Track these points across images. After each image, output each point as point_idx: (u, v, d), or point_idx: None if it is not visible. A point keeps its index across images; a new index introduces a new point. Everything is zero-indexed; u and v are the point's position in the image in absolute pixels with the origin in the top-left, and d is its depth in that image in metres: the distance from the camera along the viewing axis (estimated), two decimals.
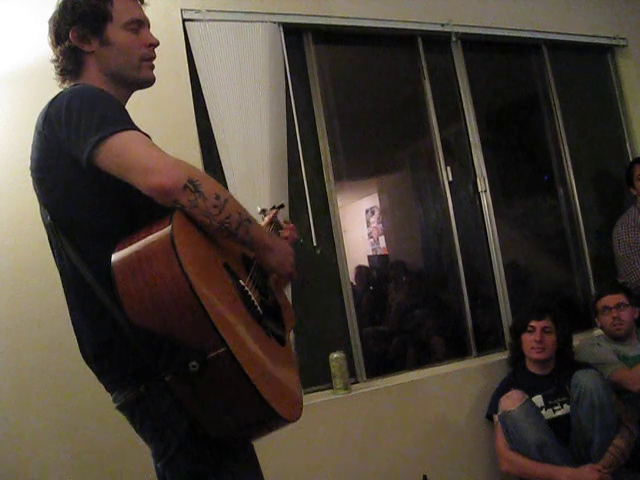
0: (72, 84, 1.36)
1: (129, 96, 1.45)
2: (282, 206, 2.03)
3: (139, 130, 1.21)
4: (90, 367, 1.29)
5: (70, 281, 1.29)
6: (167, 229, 1.09)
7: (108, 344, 1.22)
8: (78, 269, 1.23)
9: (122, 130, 1.16)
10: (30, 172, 1.31)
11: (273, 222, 1.77)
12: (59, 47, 1.37)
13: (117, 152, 1.15)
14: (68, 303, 1.33)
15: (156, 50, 1.45)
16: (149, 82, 1.44)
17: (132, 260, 1.09)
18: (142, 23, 1.41)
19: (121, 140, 1.15)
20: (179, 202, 1.13)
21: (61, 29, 1.36)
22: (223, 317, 1.09)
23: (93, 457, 2.31)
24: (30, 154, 1.31)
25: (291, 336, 2.60)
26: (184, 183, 1.12)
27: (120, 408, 1.26)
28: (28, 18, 2.34)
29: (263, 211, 1.93)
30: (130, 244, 1.11)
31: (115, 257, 1.10)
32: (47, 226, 1.31)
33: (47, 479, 2.26)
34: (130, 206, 1.23)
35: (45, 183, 1.28)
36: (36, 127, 1.28)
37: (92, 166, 1.17)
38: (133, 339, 1.12)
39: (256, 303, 1.28)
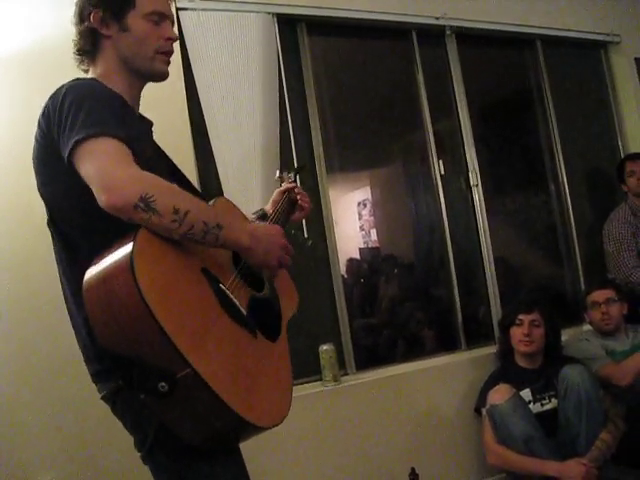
0: (74, 80, 1.32)
1: (142, 86, 1.44)
2: (304, 166, 1.97)
3: (119, 136, 1.18)
4: (83, 356, 1.31)
5: (62, 273, 1.31)
6: (128, 248, 1.07)
7: (92, 336, 1.21)
8: (68, 265, 1.26)
9: (99, 135, 1.15)
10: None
11: (286, 193, 1.80)
12: (79, 27, 1.37)
13: (85, 160, 1.15)
14: (64, 295, 1.33)
15: None
16: (161, 75, 1.42)
17: (98, 285, 1.08)
18: (164, 16, 1.40)
19: (93, 147, 1.15)
20: (133, 220, 1.12)
21: (85, 9, 1.36)
22: (188, 336, 1.08)
23: (81, 450, 2.30)
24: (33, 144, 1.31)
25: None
26: (134, 203, 1.10)
27: (103, 399, 1.28)
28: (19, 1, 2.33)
29: (280, 178, 1.93)
30: (98, 264, 1.10)
31: (85, 278, 1.10)
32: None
33: (35, 472, 2.25)
34: None
35: (41, 177, 1.30)
36: (38, 119, 1.28)
37: (72, 165, 1.17)
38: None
39: (238, 304, 1.26)
